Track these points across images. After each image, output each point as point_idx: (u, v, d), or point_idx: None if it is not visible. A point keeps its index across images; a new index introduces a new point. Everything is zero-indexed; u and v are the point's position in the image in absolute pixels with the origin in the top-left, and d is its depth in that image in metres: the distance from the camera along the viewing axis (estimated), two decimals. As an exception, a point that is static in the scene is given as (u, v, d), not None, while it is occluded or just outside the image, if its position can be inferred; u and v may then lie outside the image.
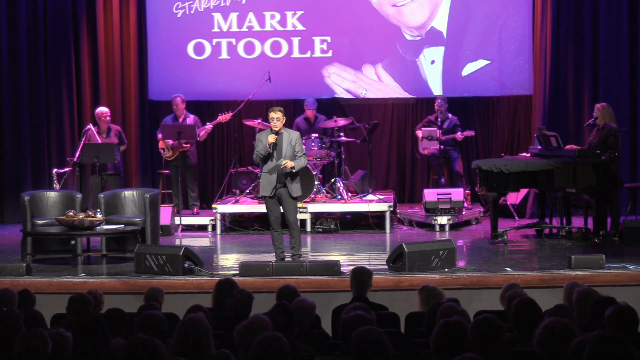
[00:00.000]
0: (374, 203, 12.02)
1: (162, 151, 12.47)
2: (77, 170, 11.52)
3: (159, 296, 6.92)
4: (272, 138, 9.27)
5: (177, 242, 11.37)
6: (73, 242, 9.66)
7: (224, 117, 12.44)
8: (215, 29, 13.46)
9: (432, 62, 13.40)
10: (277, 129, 9.29)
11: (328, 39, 13.43)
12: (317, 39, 13.43)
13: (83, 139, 11.60)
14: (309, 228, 11.86)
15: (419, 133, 12.77)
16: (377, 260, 9.75)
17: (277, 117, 9.30)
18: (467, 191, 12.64)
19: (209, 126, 12.50)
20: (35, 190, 11.36)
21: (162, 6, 13.49)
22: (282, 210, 9.48)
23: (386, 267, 9.07)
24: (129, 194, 10.73)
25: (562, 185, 10.41)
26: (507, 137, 13.53)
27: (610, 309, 5.10)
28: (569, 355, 4.25)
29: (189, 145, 12.36)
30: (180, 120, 12.42)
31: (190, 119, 12.47)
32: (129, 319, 5.68)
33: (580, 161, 10.27)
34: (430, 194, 12.03)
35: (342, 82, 13.52)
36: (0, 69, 13.15)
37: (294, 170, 9.29)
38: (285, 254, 9.50)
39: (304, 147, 9.77)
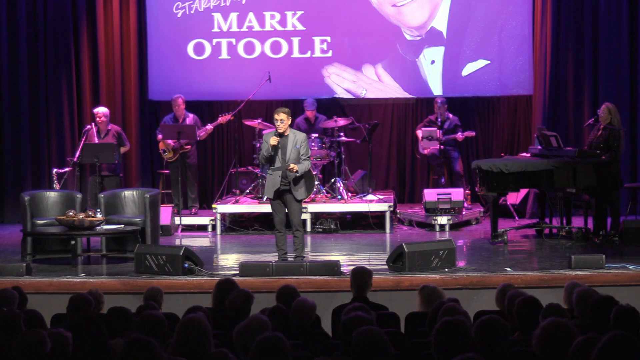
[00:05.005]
0: (374, 203, 12.02)
1: (162, 152, 12.46)
2: (77, 170, 11.51)
3: (158, 296, 6.91)
4: (274, 140, 9.21)
5: (177, 242, 11.37)
6: (73, 242, 9.66)
7: (224, 119, 12.45)
8: (215, 29, 13.45)
9: (432, 62, 13.40)
10: (281, 131, 9.24)
11: (328, 39, 13.43)
12: (317, 39, 13.43)
13: (83, 139, 11.58)
14: (309, 228, 11.86)
15: (419, 133, 12.77)
16: (377, 260, 9.75)
17: (281, 118, 9.21)
18: (467, 191, 12.64)
19: (209, 127, 12.50)
20: (35, 190, 11.35)
21: (162, 6, 13.49)
22: (286, 211, 9.46)
23: (386, 267, 9.07)
24: (129, 194, 10.72)
25: (562, 185, 10.41)
26: (507, 137, 13.53)
27: (614, 309, 5.11)
28: (570, 356, 4.25)
29: (190, 146, 12.36)
30: (180, 120, 12.41)
31: (190, 118, 12.47)
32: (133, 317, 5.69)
33: (580, 161, 10.27)
34: (430, 194, 12.03)
35: (342, 82, 13.52)
36: (0, 69, 13.15)
37: (297, 175, 9.24)
38: (288, 255, 9.48)
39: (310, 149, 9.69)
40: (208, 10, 13.44)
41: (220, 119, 12.45)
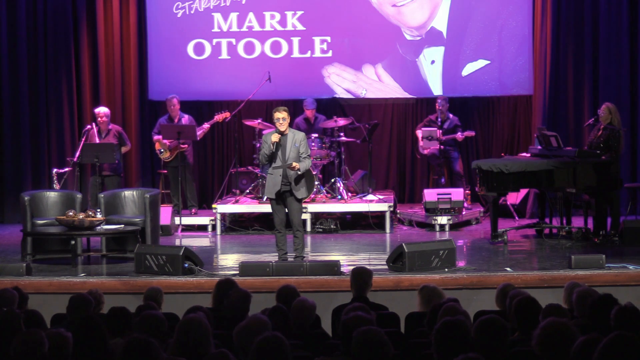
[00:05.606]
0: (374, 203, 12.02)
1: (159, 152, 12.44)
2: (77, 170, 11.50)
3: (158, 296, 6.91)
4: (275, 137, 9.20)
5: (177, 242, 11.37)
6: (73, 242, 9.65)
7: (220, 117, 12.43)
8: (215, 29, 13.45)
9: (432, 62, 13.40)
10: (282, 129, 9.24)
11: (328, 39, 13.43)
12: (317, 39, 13.43)
13: (83, 139, 11.58)
14: (309, 228, 11.85)
15: (419, 133, 12.77)
16: (377, 260, 9.75)
17: (282, 116, 9.22)
18: (467, 191, 12.64)
19: (206, 126, 12.49)
20: (35, 190, 11.35)
21: (162, 6, 13.49)
22: (286, 211, 9.46)
23: (386, 267, 9.07)
24: (129, 194, 10.72)
25: (562, 185, 10.41)
26: (507, 137, 13.53)
27: (615, 309, 5.11)
28: (572, 356, 4.24)
29: (186, 145, 12.35)
30: (176, 121, 12.38)
31: (185, 119, 12.44)
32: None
33: (580, 161, 10.27)
34: (430, 194, 12.03)
35: (342, 82, 13.52)
36: (0, 69, 13.15)
37: (299, 172, 9.24)
38: (288, 255, 9.47)
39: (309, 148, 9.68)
40: (208, 10, 13.44)
41: (216, 116, 12.43)
